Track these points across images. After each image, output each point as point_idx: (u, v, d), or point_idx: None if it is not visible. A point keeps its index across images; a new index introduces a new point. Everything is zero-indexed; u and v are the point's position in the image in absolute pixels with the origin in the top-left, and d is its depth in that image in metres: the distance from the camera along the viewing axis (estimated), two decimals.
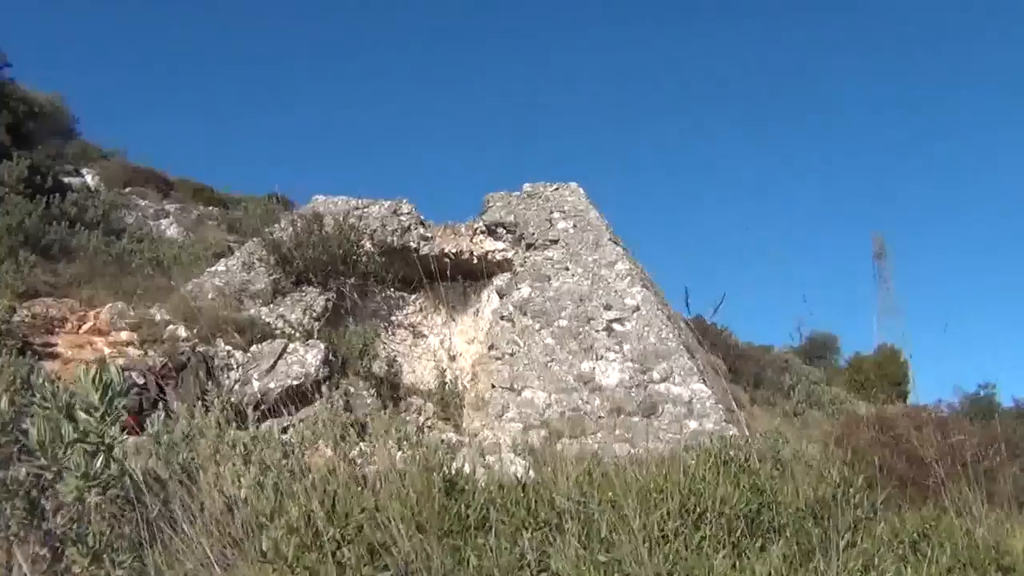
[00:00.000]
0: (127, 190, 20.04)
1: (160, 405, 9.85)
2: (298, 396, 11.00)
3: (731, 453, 3.60)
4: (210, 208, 21.93)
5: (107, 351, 10.02)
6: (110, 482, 2.87)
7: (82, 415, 2.86)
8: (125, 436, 4.11)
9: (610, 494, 3.11)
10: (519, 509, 3.31)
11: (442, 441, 9.92)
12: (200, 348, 10.68)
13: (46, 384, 2.94)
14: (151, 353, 10.24)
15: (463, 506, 3.34)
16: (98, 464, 2.84)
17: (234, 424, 7.74)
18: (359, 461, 6.58)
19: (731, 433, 9.88)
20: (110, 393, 2.87)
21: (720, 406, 10.33)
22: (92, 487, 2.83)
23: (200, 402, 9.77)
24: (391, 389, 12.39)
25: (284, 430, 11.01)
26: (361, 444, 6.93)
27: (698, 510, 3.10)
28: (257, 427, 9.73)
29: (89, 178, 18.68)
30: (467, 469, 4.76)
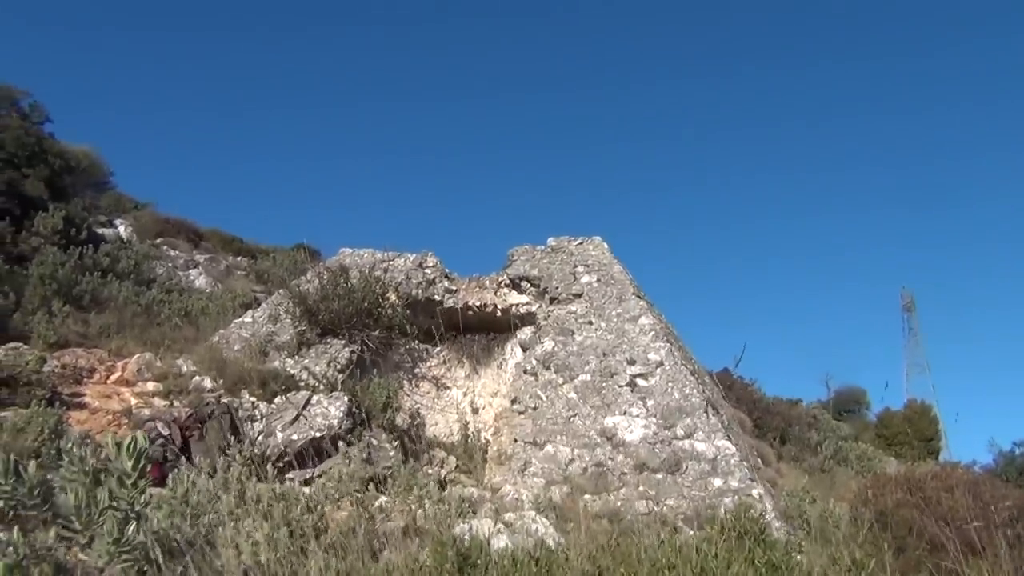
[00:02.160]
0: (159, 240, 20.42)
1: (183, 457, 9.92)
2: (321, 448, 11.00)
3: (747, 525, 3.50)
4: (239, 259, 22.28)
5: (134, 401, 10.11)
6: (138, 547, 2.89)
7: (113, 482, 2.89)
8: (150, 495, 4.14)
9: (622, 571, 3.06)
10: None
11: (463, 498, 9.87)
12: (225, 399, 10.74)
13: (74, 448, 2.98)
14: (176, 404, 10.31)
15: None
16: (129, 531, 2.86)
17: (256, 477, 7.75)
18: (379, 516, 6.54)
19: (755, 492, 9.75)
20: (142, 460, 2.90)
21: (745, 464, 10.17)
22: (122, 552, 2.84)
23: (223, 455, 9.82)
24: (413, 442, 12.35)
25: (307, 482, 11.03)
26: (383, 498, 6.90)
27: None
28: (280, 480, 9.76)
29: (122, 229, 19.05)
30: (483, 535, 4.71)
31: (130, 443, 2.90)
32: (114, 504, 2.83)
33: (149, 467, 8.46)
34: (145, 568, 3.29)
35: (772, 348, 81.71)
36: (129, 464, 2.87)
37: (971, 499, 8.51)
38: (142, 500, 2.94)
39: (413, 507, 5.97)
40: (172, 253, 19.90)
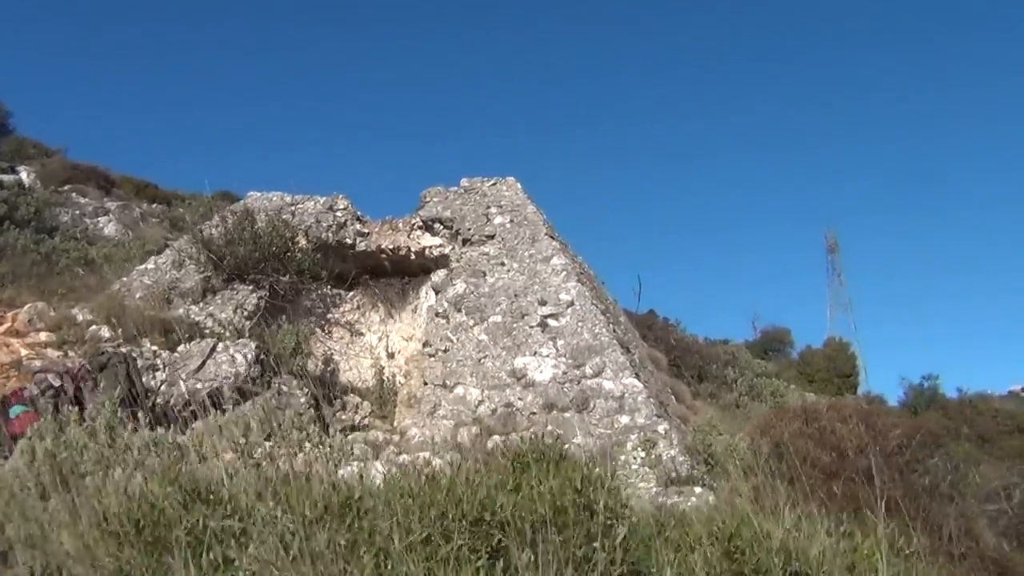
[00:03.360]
0: (66, 187, 19.59)
1: (78, 409, 9.59)
2: (228, 397, 10.76)
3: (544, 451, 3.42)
4: (154, 205, 21.53)
5: (24, 352, 9.72)
6: None
7: None
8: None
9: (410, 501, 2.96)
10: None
11: (366, 441, 9.77)
12: (124, 349, 10.40)
13: None
14: (72, 354, 9.95)
15: None
16: None
17: (153, 428, 7.52)
18: (265, 463, 6.39)
19: (661, 428, 9.86)
20: None
21: (652, 401, 10.26)
22: None
23: (121, 406, 9.51)
24: (327, 388, 12.18)
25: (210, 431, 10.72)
26: (267, 444, 6.74)
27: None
28: (184, 430, 9.47)
29: (24, 175, 18.20)
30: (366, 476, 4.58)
31: None
32: None
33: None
34: None
35: (704, 291, 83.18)
36: None
37: (864, 428, 8.72)
38: None
39: (295, 452, 5.84)
40: (81, 200, 19.12)
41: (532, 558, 2.64)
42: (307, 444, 6.04)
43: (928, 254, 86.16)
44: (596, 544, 2.76)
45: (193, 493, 3.03)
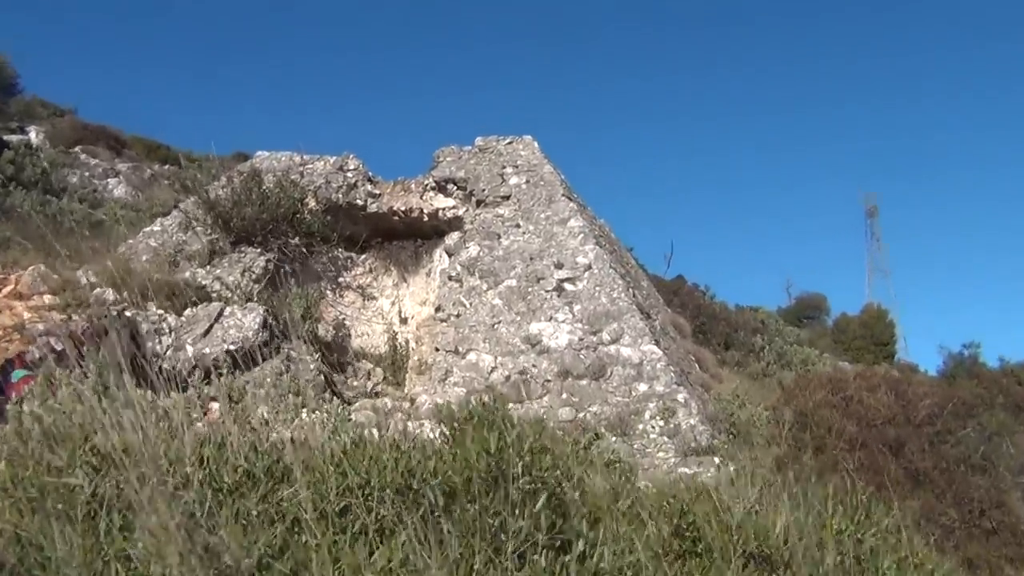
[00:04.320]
0: (76, 148, 19.68)
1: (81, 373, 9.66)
2: (236, 362, 10.78)
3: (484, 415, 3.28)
4: (165, 167, 21.59)
5: (27, 316, 9.78)
6: None
7: None
8: None
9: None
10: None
11: (373, 408, 9.76)
12: (129, 312, 10.44)
13: None
14: (75, 318, 10.00)
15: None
16: None
17: (157, 393, 7.54)
18: (262, 428, 6.37)
19: (680, 396, 9.75)
20: None
21: (672, 368, 10.14)
22: None
23: (120, 368, 9.56)
24: (338, 354, 12.19)
25: (214, 398, 10.82)
26: (263, 409, 6.73)
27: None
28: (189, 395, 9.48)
29: (33, 135, 18.29)
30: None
31: None
32: None
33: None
34: None
35: (737, 256, 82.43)
36: None
37: (893, 398, 8.55)
38: None
39: (291, 418, 5.80)
40: (91, 162, 19.21)
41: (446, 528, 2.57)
42: (303, 411, 6.01)
43: (973, 215, 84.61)
44: (506, 513, 2.65)
45: (107, 458, 2.96)
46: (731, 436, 9.82)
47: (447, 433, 3.43)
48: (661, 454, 9.41)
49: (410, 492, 2.64)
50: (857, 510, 3.19)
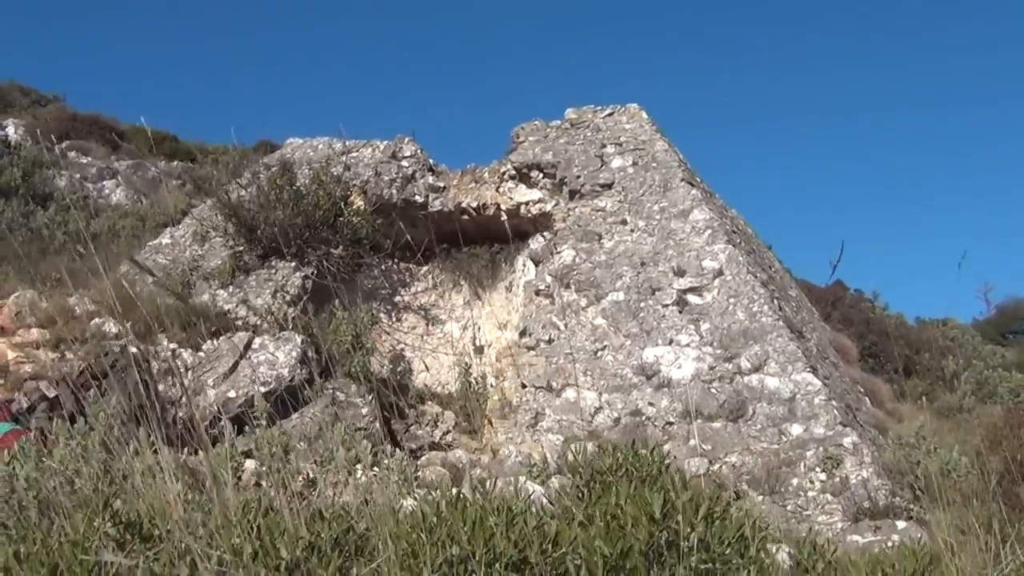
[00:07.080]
0: (63, 144, 20.42)
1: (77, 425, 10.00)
2: (271, 406, 11.02)
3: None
4: (174, 164, 22.23)
5: (12, 355, 10.18)
6: None
7: None
8: None
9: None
10: None
11: (445, 463, 9.86)
12: (134, 347, 10.79)
13: None
14: (68, 356, 10.38)
15: None
16: None
17: (176, 450, 7.77)
18: (308, 492, 6.51)
19: (847, 441, 9.60)
20: None
21: (835, 404, 9.99)
22: None
23: (129, 419, 9.87)
24: (397, 394, 12.34)
25: (248, 454, 11.10)
26: (308, 469, 6.86)
27: None
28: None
29: (11, 130, 19.08)
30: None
31: None
32: None
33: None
34: None
35: (912, 254, 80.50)
36: None
37: None
38: None
39: (343, 478, 5.90)
40: (83, 161, 19.94)
41: None
42: (358, 468, 6.10)
43: None
44: None
45: (131, 529, 3.05)
46: (917, 493, 9.59)
47: (580, 488, 3.42)
48: (823, 517, 9.28)
49: (527, 568, 2.64)
50: None
